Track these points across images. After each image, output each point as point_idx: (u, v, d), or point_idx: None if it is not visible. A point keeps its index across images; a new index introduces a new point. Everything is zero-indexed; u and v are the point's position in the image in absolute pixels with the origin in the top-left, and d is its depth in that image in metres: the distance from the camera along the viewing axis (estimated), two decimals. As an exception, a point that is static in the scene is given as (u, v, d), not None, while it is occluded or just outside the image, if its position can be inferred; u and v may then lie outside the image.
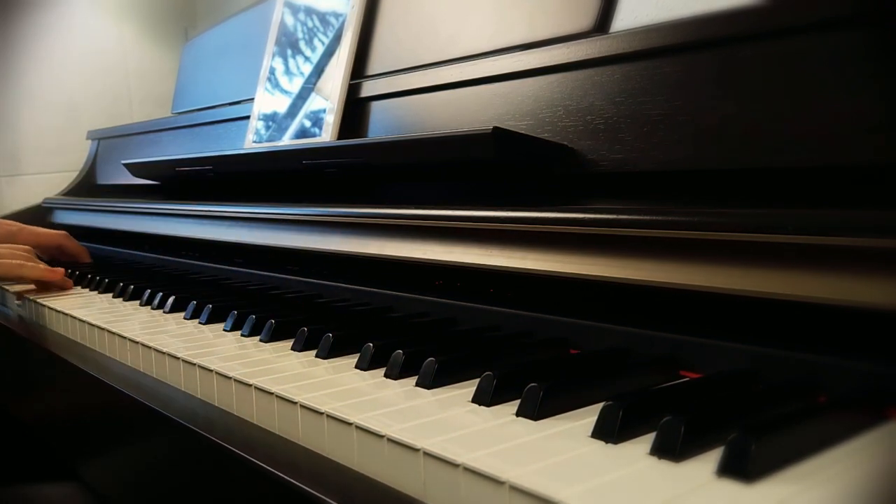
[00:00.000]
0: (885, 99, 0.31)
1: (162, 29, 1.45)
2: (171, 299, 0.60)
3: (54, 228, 0.91)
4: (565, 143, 0.43)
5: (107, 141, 1.15)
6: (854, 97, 0.31)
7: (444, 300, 0.49)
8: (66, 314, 0.62)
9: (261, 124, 0.74)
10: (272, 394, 0.35)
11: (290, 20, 0.74)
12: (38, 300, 0.69)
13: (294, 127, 0.69)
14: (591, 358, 0.37)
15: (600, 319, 0.40)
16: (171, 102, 1.10)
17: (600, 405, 0.28)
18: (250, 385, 0.37)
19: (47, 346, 0.60)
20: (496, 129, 0.41)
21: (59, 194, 1.17)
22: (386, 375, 0.37)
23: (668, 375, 0.35)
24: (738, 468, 0.23)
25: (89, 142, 1.21)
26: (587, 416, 0.29)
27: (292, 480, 0.29)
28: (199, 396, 0.42)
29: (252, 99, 0.76)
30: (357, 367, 0.39)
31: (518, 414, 0.30)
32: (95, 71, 1.36)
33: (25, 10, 1.28)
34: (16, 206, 1.16)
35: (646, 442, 0.26)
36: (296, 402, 0.33)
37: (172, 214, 0.78)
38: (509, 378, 0.32)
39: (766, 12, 0.35)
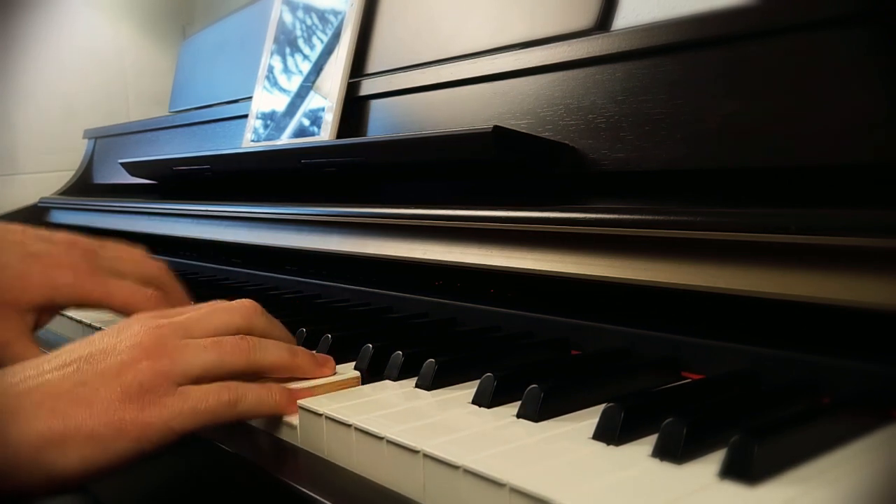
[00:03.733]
0: (888, 97, 0.30)
1: (159, 27, 1.44)
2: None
3: (51, 228, 0.89)
4: (566, 142, 0.43)
5: (103, 140, 1.15)
6: (856, 96, 0.31)
7: (443, 300, 0.49)
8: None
9: (259, 123, 0.74)
10: (270, 395, 0.35)
11: (288, 18, 0.74)
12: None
13: (293, 126, 0.69)
14: (593, 359, 0.37)
15: (601, 320, 0.39)
16: (168, 101, 1.10)
17: (601, 407, 0.28)
18: (248, 386, 0.36)
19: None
20: (496, 127, 0.41)
21: (55, 194, 1.16)
22: (385, 376, 0.37)
23: (670, 377, 0.35)
24: (741, 470, 0.23)
25: (86, 141, 1.20)
26: (588, 418, 0.29)
27: (293, 483, 0.28)
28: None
29: (250, 97, 0.76)
30: (356, 367, 0.39)
31: (519, 415, 0.30)
32: (92, 69, 1.36)
33: (21, 8, 1.28)
34: (12, 205, 1.16)
35: (647, 444, 0.26)
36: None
37: (170, 214, 0.77)
38: (510, 379, 0.32)
39: (768, 10, 0.35)
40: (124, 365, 0.30)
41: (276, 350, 0.34)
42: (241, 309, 0.36)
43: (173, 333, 0.32)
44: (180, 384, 0.31)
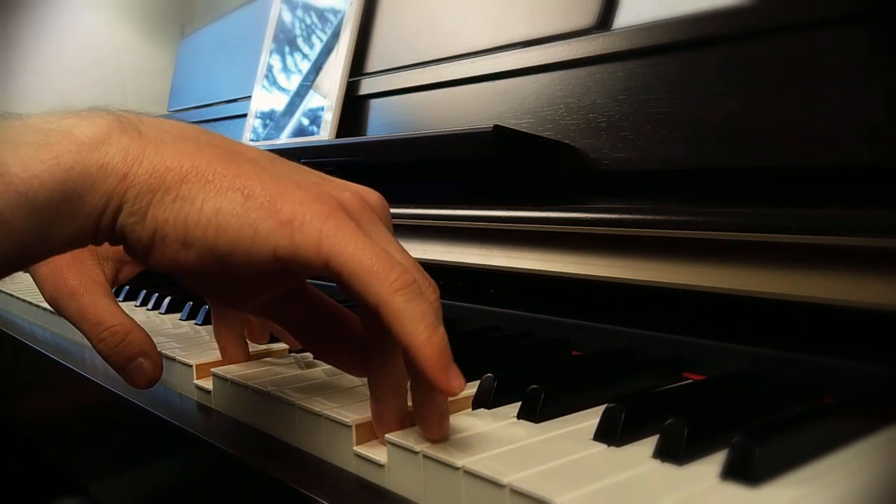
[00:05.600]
0: (888, 97, 0.30)
1: (158, 26, 1.44)
2: (167, 300, 0.60)
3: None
4: (567, 141, 0.42)
5: (102, 139, 1.14)
6: (857, 96, 0.31)
7: (443, 300, 0.48)
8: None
9: (258, 122, 0.74)
10: (267, 393, 0.35)
11: (287, 17, 0.74)
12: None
13: (292, 125, 0.69)
14: (594, 359, 0.37)
15: (602, 320, 0.39)
16: (167, 100, 1.10)
17: (602, 407, 0.28)
18: (247, 386, 0.36)
19: (36, 344, 0.59)
20: (497, 127, 0.41)
21: (54, 192, 1.15)
22: (385, 376, 0.37)
23: (671, 377, 0.35)
24: (743, 471, 0.23)
25: (85, 139, 1.20)
26: (589, 419, 0.29)
27: (297, 487, 0.28)
28: (196, 399, 0.41)
29: (249, 96, 0.76)
30: (355, 368, 0.39)
31: (519, 416, 0.30)
32: (90, 68, 1.35)
33: (20, 7, 1.27)
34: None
35: (649, 444, 0.26)
36: (294, 404, 0.33)
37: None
38: (510, 380, 0.32)
39: (768, 9, 0.34)
40: (327, 184, 0.27)
41: (442, 332, 0.25)
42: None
43: (388, 224, 0.28)
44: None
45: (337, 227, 0.24)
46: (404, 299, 0.24)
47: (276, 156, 0.28)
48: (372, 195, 0.28)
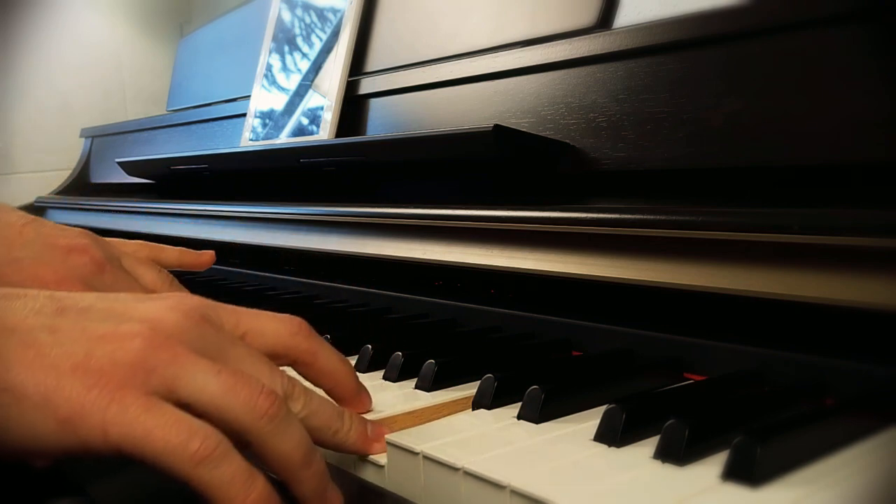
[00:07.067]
0: (890, 97, 0.30)
1: (157, 25, 1.44)
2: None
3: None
4: (567, 141, 0.42)
5: (101, 139, 1.15)
6: (858, 95, 0.31)
7: (444, 301, 0.49)
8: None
9: (257, 122, 0.73)
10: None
11: (287, 16, 0.73)
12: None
13: (291, 125, 0.69)
14: (594, 360, 0.37)
15: (603, 321, 0.39)
16: (166, 100, 1.09)
17: (603, 408, 0.28)
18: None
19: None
20: (497, 126, 0.41)
21: (51, 193, 1.16)
22: (385, 378, 0.37)
23: (673, 378, 0.35)
24: (744, 472, 0.23)
25: (83, 140, 1.20)
26: (590, 420, 0.29)
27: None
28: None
29: (248, 96, 0.75)
30: (356, 369, 0.39)
31: (520, 417, 0.30)
32: (89, 68, 1.35)
33: (20, 6, 1.27)
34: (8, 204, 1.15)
35: (650, 445, 0.26)
36: (293, 405, 0.33)
37: (167, 214, 0.77)
38: (511, 380, 0.32)
39: (769, 8, 0.34)
40: (116, 334, 0.24)
41: (262, 480, 0.24)
42: (293, 325, 0.29)
43: (207, 328, 0.26)
44: (158, 395, 0.24)
45: (119, 411, 0.23)
46: (208, 469, 0.23)
47: (65, 305, 0.25)
48: (183, 306, 0.26)
